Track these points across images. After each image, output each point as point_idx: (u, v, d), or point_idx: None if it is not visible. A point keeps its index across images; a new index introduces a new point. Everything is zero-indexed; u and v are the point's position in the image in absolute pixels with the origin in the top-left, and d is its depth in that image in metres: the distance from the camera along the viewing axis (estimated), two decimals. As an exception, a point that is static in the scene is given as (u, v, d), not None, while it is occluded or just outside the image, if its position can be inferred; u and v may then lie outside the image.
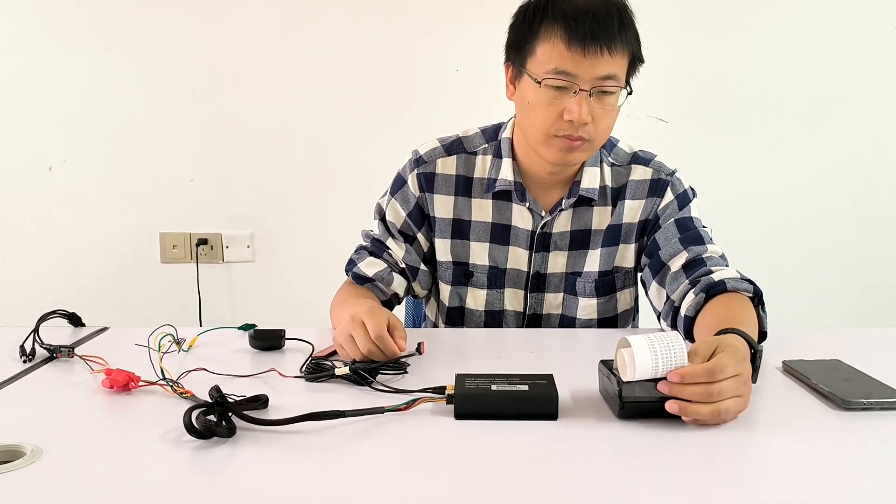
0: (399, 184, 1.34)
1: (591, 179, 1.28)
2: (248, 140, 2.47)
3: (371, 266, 1.31)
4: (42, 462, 0.74)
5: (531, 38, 1.15)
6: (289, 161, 2.48)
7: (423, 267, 1.35)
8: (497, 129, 1.34)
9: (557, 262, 1.31)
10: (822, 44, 2.45)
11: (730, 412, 0.81)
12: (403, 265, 1.33)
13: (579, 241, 1.30)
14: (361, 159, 2.46)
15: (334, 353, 1.08)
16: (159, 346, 1.05)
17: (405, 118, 2.44)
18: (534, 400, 0.85)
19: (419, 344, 1.10)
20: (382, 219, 1.35)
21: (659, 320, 1.27)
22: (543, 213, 1.29)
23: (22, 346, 1.08)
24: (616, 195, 1.30)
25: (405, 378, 0.99)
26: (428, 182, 1.32)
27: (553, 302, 1.33)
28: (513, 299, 1.34)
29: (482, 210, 1.31)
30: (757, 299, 1.12)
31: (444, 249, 1.33)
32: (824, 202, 2.54)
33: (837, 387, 0.91)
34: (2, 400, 0.93)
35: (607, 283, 1.32)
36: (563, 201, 1.28)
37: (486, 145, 1.32)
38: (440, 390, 0.89)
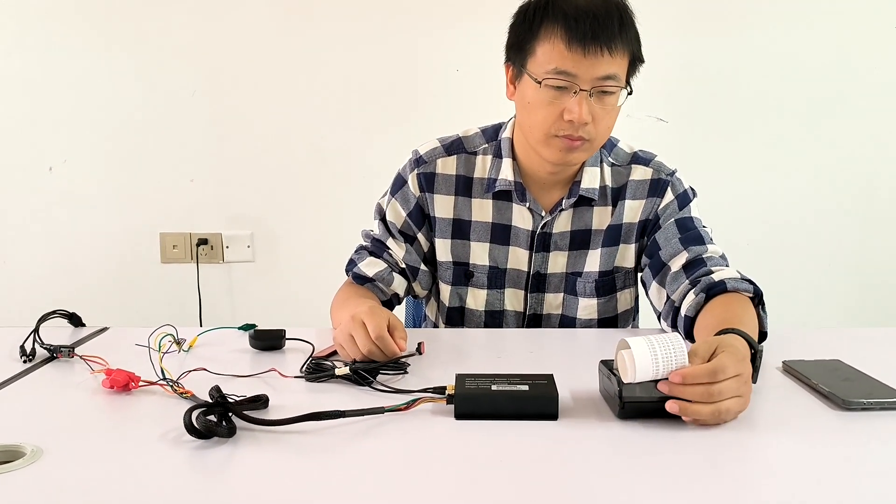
0: (399, 184, 1.34)
1: (591, 179, 1.28)
2: (248, 140, 2.47)
3: (371, 266, 1.31)
4: (42, 462, 0.74)
5: (531, 38, 1.15)
6: (289, 161, 2.48)
7: (423, 267, 1.35)
8: (497, 129, 1.34)
9: (557, 262, 1.31)
10: (822, 44, 2.45)
11: (730, 412, 0.81)
12: (404, 265, 1.33)
13: (579, 241, 1.30)
14: (361, 159, 2.46)
15: (334, 353, 1.08)
16: (159, 346, 1.05)
17: (405, 118, 2.44)
18: (534, 400, 0.85)
19: (419, 344, 1.10)
20: (383, 219, 1.35)
21: (659, 320, 1.27)
22: (543, 213, 1.29)
23: (22, 346, 1.08)
24: (616, 195, 1.30)
25: (405, 378, 0.99)
26: (428, 182, 1.32)
27: (553, 302, 1.33)
28: (513, 299, 1.34)
29: (482, 210, 1.31)
30: (757, 299, 1.12)
31: (444, 249, 1.33)
32: (824, 202, 2.54)
33: (838, 387, 0.91)
34: (2, 400, 0.93)
35: (607, 284, 1.32)
36: (564, 201, 1.28)
37: (487, 145, 1.32)
38: (440, 390, 0.89)
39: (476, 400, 0.85)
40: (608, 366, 0.88)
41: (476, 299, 1.34)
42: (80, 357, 1.05)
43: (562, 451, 0.77)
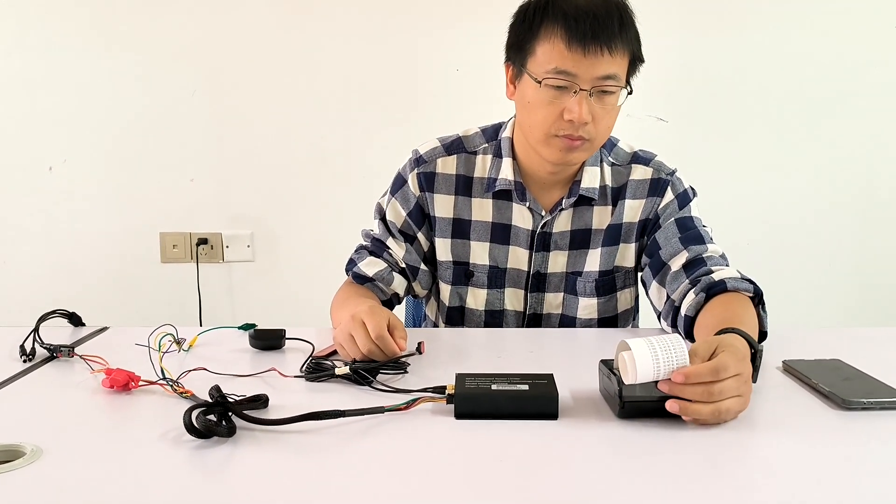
0: (399, 183, 1.34)
1: (591, 179, 1.28)
2: (248, 140, 2.47)
3: (371, 266, 1.31)
4: (42, 462, 0.74)
5: (531, 37, 1.15)
6: (289, 161, 2.48)
7: (423, 267, 1.35)
8: (497, 128, 1.34)
9: (558, 261, 1.31)
10: (823, 44, 2.45)
11: (730, 412, 0.81)
12: (404, 265, 1.33)
13: (579, 240, 1.30)
14: (361, 159, 2.46)
15: (334, 352, 1.08)
16: (159, 346, 1.05)
17: (405, 118, 2.44)
18: (534, 400, 0.85)
19: (419, 343, 1.10)
20: (383, 218, 1.35)
21: (659, 320, 1.27)
22: (544, 213, 1.29)
23: (22, 346, 1.08)
24: (616, 195, 1.30)
25: (405, 378, 0.99)
26: (428, 181, 1.32)
27: (553, 302, 1.33)
28: (513, 299, 1.33)
29: (482, 210, 1.31)
30: (757, 299, 1.12)
31: (444, 249, 1.33)
32: (824, 202, 2.54)
33: (838, 386, 0.91)
34: (2, 400, 0.93)
35: (607, 283, 1.32)
36: (564, 201, 1.28)
37: (487, 145, 1.32)
38: (440, 390, 0.89)
39: (476, 399, 0.85)
40: (608, 365, 0.88)
41: (476, 299, 1.34)
42: (80, 357, 1.05)
43: (562, 451, 0.77)
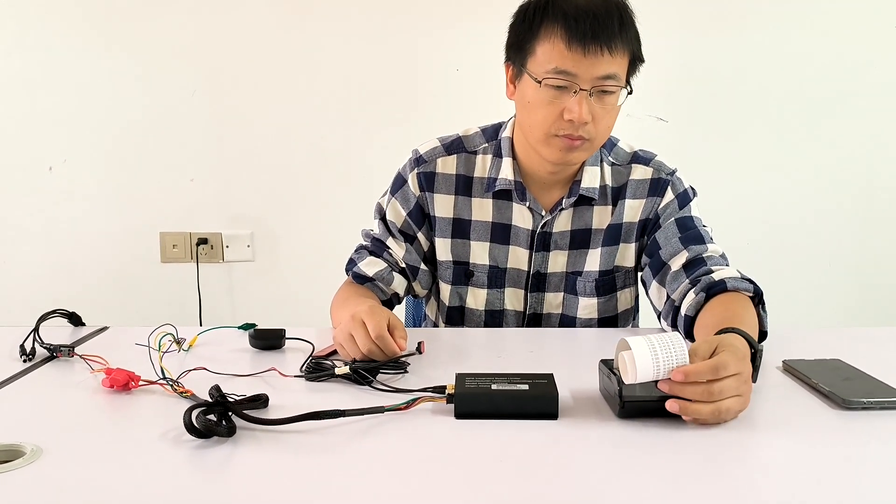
0: (399, 183, 1.34)
1: (591, 179, 1.28)
2: (248, 140, 2.47)
3: (371, 265, 1.31)
4: (42, 462, 0.74)
5: (531, 37, 1.15)
6: (289, 161, 2.48)
7: (423, 266, 1.35)
8: (497, 128, 1.34)
9: (558, 261, 1.31)
10: (823, 44, 2.45)
11: (730, 411, 0.81)
12: (404, 265, 1.33)
13: (579, 240, 1.30)
14: (361, 159, 2.46)
15: (334, 352, 1.08)
16: (159, 346, 1.05)
17: (405, 118, 2.44)
18: (534, 399, 0.85)
19: (419, 343, 1.10)
20: (383, 218, 1.35)
21: (659, 320, 1.27)
22: (544, 213, 1.29)
23: (22, 346, 1.08)
24: (616, 194, 1.30)
25: (405, 377, 0.99)
26: (428, 181, 1.31)
27: (553, 301, 1.33)
28: (513, 299, 1.33)
29: (482, 209, 1.31)
30: (757, 299, 1.12)
31: (444, 249, 1.33)
32: (824, 202, 2.54)
33: (838, 386, 0.91)
34: (2, 399, 0.93)
35: (608, 283, 1.32)
36: (564, 201, 1.28)
37: (487, 145, 1.32)
38: (440, 390, 0.89)
39: (476, 399, 0.85)
40: (608, 365, 0.88)
41: (476, 299, 1.34)
42: (80, 356, 1.05)
43: (562, 451, 0.77)
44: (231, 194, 2.51)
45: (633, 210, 1.29)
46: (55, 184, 2.46)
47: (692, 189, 1.31)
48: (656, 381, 0.82)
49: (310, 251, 2.52)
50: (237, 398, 0.86)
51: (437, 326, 1.42)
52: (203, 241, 2.51)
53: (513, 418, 0.84)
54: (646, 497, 0.67)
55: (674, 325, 1.19)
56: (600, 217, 1.30)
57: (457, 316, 1.36)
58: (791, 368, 1.00)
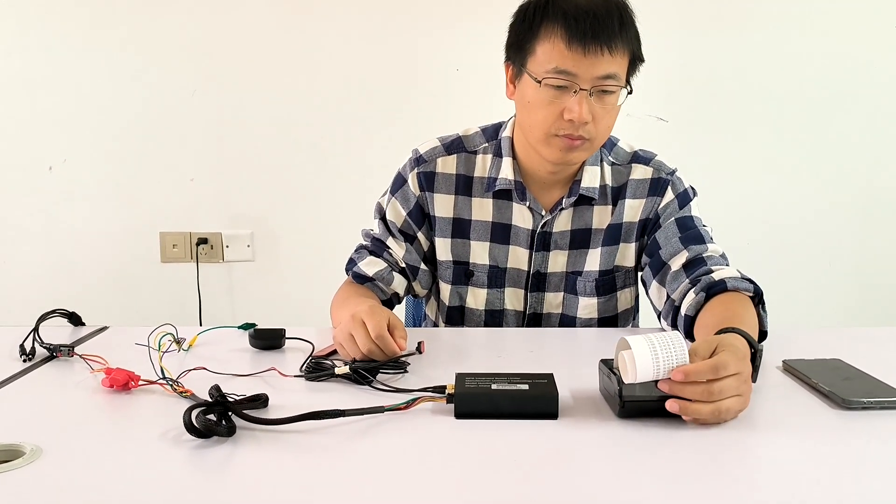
0: (399, 183, 1.34)
1: (591, 178, 1.28)
2: (248, 139, 2.47)
3: (371, 265, 1.31)
4: (42, 462, 0.74)
5: (531, 37, 1.15)
6: (289, 161, 2.48)
7: (423, 266, 1.35)
8: (497, 128, 1.34)
9: (558, 261, 1.31)
10: (823, 44, 2.45)
11: (730, 411, 0.81)
12: (404, 264, 1.33)
13: (580, 240, 1.30)
14: (361, 159, 2.46)
15: (334, 352, 1.08)
16: (159, 346, 1.05)
17: (405, 118, 2.44)
18: (534, 399, 0.85)
19: (419, 343, 1.10)
20: (383, 218, 1.35)
21: (659, 319, 1.27)
22: (544, 213, 1.29)
23: (22, 346, 1.08)
24: (616, 194, 1.30)
25: (405, 377, 0.99)
26: (428, 181, 1.31)
27: (553, 301, 1.33)
28: (513, 298, 1.33)
29: (482, 209, 1.31)
30: (757, 299, 1.12)
31: (444, 249, 1.33)
32: (824, 202, 2.54)
33: (838, 386, 0.91)
34: (2, 399, 0.93)
35: (608, 283, 1.32)
36: (564, 200, 1.28)
37: (487, 144, 1.32)
38: (440, 389, 0.89)
39: (476, 399, 0.85)
40: (608, 365, 0.88)
41: (476, 298, 1.34)
42: (80, 356, 1.05)
43: (562, 451, 0.77)
44: (231, 194, 2.51)
45: (633, 210, 1.29)
46: (55, 184, 2.46)
47: (692, 189, 1.31)
48: (656, 381, 0.82)
49: (310, 251, 2.52)
50: (237, 398, 0.85)
51: (437, 326, 1.42)
52: (203, 240, 2.51)
53: (513, 418, 0.84)
54: (646, 497, 0.67)
55: (674, 325, 1.19)
56: (600, 217, 1.30)
57: (457, 316, 1.36)
58: (791, 368, 1.00)
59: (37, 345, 1.09)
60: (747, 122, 2.49)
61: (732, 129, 2.50)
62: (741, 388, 0.81)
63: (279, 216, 2.52)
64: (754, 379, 0.89)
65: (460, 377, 0.89)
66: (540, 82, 1.14)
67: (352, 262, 1.34)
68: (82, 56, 2.40)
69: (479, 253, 1.32)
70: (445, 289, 1.35)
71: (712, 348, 0.84)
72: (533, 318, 1.34)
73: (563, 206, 1.28)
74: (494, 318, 1.34)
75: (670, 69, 2.40)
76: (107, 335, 1.22)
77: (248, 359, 1.09)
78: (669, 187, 1.29)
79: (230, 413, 0.81)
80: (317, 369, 1.00)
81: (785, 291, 2.45)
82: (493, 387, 0.86)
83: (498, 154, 1.30)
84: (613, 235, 1.30)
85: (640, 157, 1.31)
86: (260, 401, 0.87)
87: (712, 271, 1.16)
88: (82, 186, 2.47)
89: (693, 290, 1.14)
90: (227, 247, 2.53)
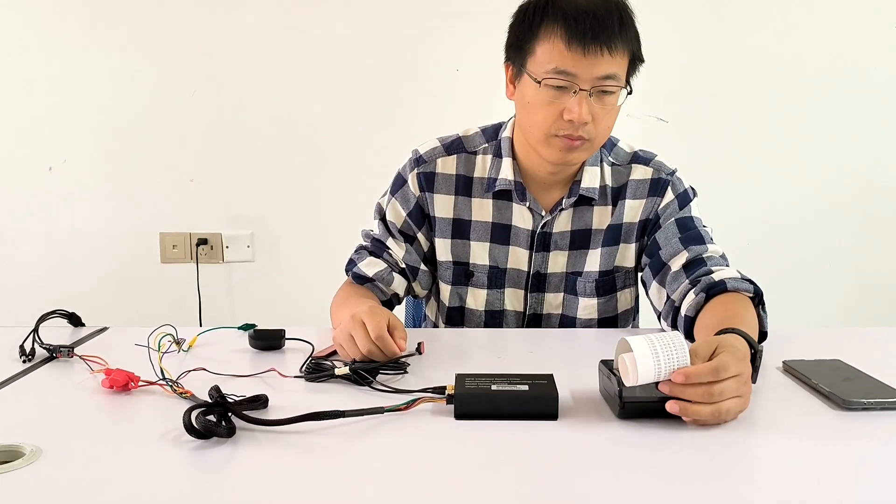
0: (399, 183, 1.34)
1: (591, 179, 1.28)
2: (248, 140, 2.47)
3: (371, 266, 1.31)
4: (41, 462, 0.74)
5: (531, 37, 1.15)
6: (289, 161, 2.48)
7: (423, 267, 1.35)
8: (497, 128, 1.34)
9: (558, 261, 1.31)
10: (823, 44, 2.45)
11: (730, 412, 0.81)
12: (403, 265, 1.33)
13: (580, 240, 1.30)
14: (361, 159, 2.46)
15: (334, 352, 1.08)
16: (159, 346, 1.05)
17: (405, 118, 2.44)
18: (534, 400, 0.85)
19: (419, 344, 1.10)
20: (382, 218, 1.35)
21: (659, 320, 1.27)
22: (544, 213, 1.29)
23: (22, 346, 1.08)
24: (616, 195, 1.30)
25: (405, 378, 0.99)
26: (428, 181, 1.31)
27: (553, 302, 1.33)
28: (513, 299, 1.33)
29: (482, 210, 1.31)
30: (757, 299, 1.12)
31: (444, 249, 1.33)
32: (824, 202, 2.54)
33: (838, 386, 0.91)
34: (1, 400, 0.93)
35: (608, 283, 1.32)
36: (564, 201, 1.28)
37: (487, 145, 1.32)
38: (440, 390, 0.89)
39: (476, 400, 0.85)
40: (608, 366, 0.88)
41: (476, 299, 1.34)
42: (80, 357, 1.05)
43: (562, 451, 0.77)
44: (231, 194, 2.51)
45: (633, 210, 1.29)
46: (55, 184, 2.46)
47: (692, 189, 1.31)
48: (657, 383, 0.82)
49: (310, 251, 2.52)
50: (237, 399, 0.85)
51: (437, 327, 1.42)
52: (203, 241, 2.51)
53: (513, 419, 0.84)
54: (646, 497, 0.67)
55: (674, 326, 1.19)
56: (600, 217, 1.30)
57: (457, 316, 1.36)
58: (791, 369, 1.00)
59: (37, 345, 1.09)
60: (747, 122, 2.49)
61: (732, 129, 2.50)
62: (741, 389, 0.81)
63: (279, 216, 2.52)
64: (754, 380, 0.89)
65: (460, 378, 0.89)
66: (540, 83, 1.14)
67: (351, 263, 1.34)
68: (82, 56, 2.40)
69: (479, 253, 1.32)
70: (445, 289, 1.35)
71: (712, 349, 0.84)
72: (533, 319, 1.34)
73: (563, 206, 1.28)
74: (494, 318, 1.34)
75: (670, 69, 2.40)
76: (107, 336, 1.22)
77: (247, 359, 1.09)
78: (669, 188, 1.29)
79: (230, 414, 0.81)
80: (317, 370, 1.00)
81: (785, 291, 2.45)
82: (493, 387, 0.86)
83: (498, 154, 1.30)
84: (613, 236, 1.30)
85: (640, 158, 1.31)
86: (260, 401, 0.87)
87: (712, 272, 1.16)
88: (82, 186, 2.47)
89: (693, 290, 1.14)
90: (227, 247, 2.53)
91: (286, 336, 1.14)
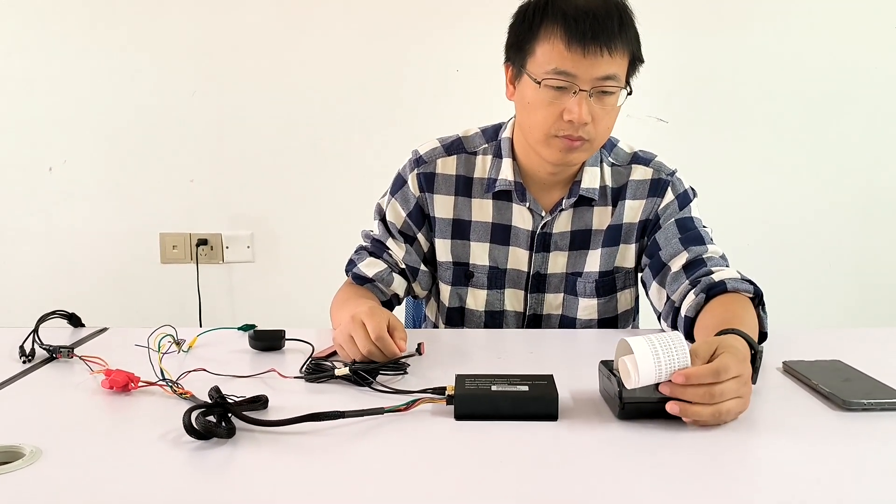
0: (399, 184, 1.34)
1: (591, 179, 1.28)
2: (247, 140, 2.47)
3: (371, 266, 1.31)
4: (41, 462, 0.74)
5: (531, 38, 1.15)
6: (289, 161, 2.48)
7: (423, 267, 1.35)
8: (497, 129, 1.34)
9: (558, 262, 1.31)
10: (823, 44, 2.45)
11: (730, 413, 0.81)
12: (403, 265, 1.33)
13: (579, 241, 1.30)
14: (361, 159, 2.46)
15: (334, 353, 1.08)
16: (159, 347, 1.05)
17: (405, 118, 2.44)
18: (534, 400, 0.85)
19: (419, 344, 1.10)
20: (382, 219, 1.35)
21: (659, 320, 1.27)
22: (543, 214, 1.29)
23: (21, 347, 1.08)
24: (616, 195, 1.30)
25: (405, 379, 0.99)
26: (428, 182, 1.31)
27: (553, 302, 1.33)
28: (513, 300, 1.33)
29: (482, 210, 1.31)
30: (757, 300, 1.12)
31: (444, 250, 1.33)
32: (824, 202, 2.54)
33: (838, 387, 0.91)
34: (1, 400, 0.93)
35: (608, 284, 1.32)
36: (564, 201, 1.28)
37: (486, 145, 1.32)
38: (440, 391, 0.89)
39: (476, 400, 0.85)
40: (608, 366, 0.88)
41: (476, 299, 1.34)
42: (80, 357, 1.05)
43: (562, 452, 0.77)
44: (231, 195, 2.51)
45: (633, 211, 1.29)
46: (55, 184, 2.46)
47: (692, 190, 1.31)
48: (657, 384, 0.82)
49: (310, 252, 2.52)
50: (237, 399, 0.85)
51: (437, 327, 1.42)
52: (203, 241, 2.51)
53: (513, 419, 0.84)
54: (646, 498, 0.67)
55: (674, 326, 1.19)
56: (600, 218, 1.30)
57: (457, 317, 1.36)
58: (791, 369, 1.00)
59: (36, 346, 1.09)
60: (747, 123, 2.49)
61: (732, 129, 2.50)
62: (741, 390, 0.81)
63: (279, 217, 2.52)
64: (754, 380, 0.89)
65: (460, 378, 0.89)
66: (539, 83, 1.14)
67: (351, 263, 1.34)
68: (82, 56, 2.40)
69: (479, 254, 1.32)
70: (445, 290, 1.35)
71: (712, 349, 0.84)
72: (533, 320, 1.34)
73: (563, 206, 1.28)
74: (494, 319, 1.34)
75: (670, 69, 2.40)
76: (106, 336, 1.22)
77: (247, 360, 1.09)
78: (669, 188, 1.29)
79: (230, 414, 0.81)
80: (317, 371, 1.00)
81: (785, 292, 2.45)
82: (493, 388, 0.86)
83: (498, 155, 1.30)
84: (613, 236, 1.30)
85: (640, 158, 1.31)
86: (260, 402, 0.87)
87: (712, 272, 1.16)
88: (82, 187, 2.47)
89: (693, 291, 1.14)
90: (227, 248, 2.53)
91: (286, 336, 1.14)
